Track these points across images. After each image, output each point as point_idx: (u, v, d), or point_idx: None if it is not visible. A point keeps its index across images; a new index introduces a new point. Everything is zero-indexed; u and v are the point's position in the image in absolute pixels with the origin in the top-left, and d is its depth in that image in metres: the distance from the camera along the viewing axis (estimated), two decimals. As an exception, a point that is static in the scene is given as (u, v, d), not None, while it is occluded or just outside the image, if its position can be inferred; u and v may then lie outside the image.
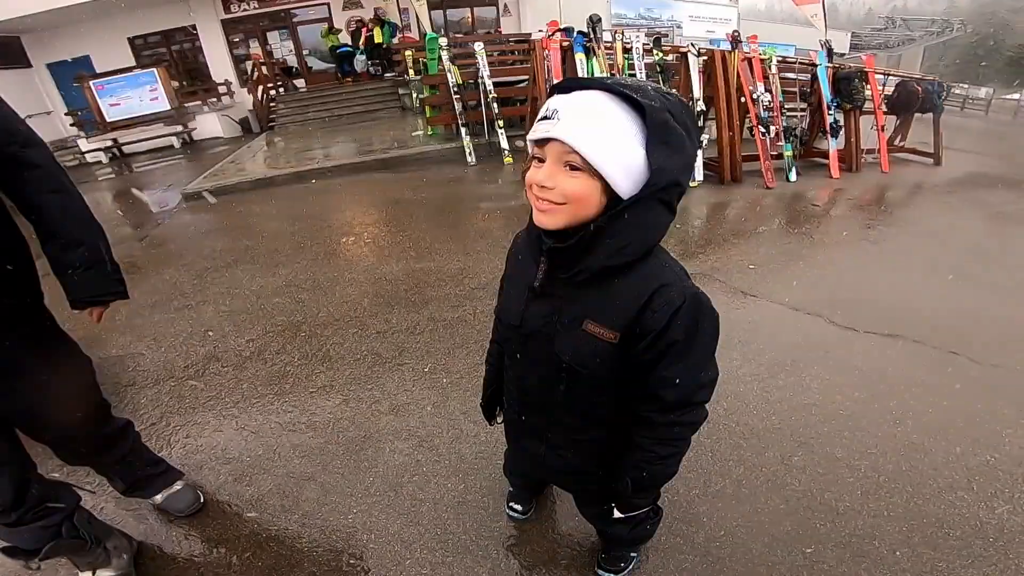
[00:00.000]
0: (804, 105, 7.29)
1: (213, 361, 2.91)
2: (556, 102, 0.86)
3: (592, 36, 4.86)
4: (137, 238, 5.42)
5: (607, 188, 0.86)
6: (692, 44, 5.81)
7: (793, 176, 6.50)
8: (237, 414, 2.44)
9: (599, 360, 0.98)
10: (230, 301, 3.64)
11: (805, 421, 2.30)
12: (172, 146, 12.47)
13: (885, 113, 7.48)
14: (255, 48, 14.95)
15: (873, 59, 7.65)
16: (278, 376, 2.72)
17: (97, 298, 1.45)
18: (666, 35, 7.22)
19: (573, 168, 0.85)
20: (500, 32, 15.38)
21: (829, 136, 6.81)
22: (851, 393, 2.52)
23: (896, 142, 7.95)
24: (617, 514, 1.21)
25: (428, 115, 8.13)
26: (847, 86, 6.68)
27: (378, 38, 12.74)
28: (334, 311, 3.39)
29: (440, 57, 7.28)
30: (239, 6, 14.44)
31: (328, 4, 14.83)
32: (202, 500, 1.91)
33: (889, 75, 8.07)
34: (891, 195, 6.31)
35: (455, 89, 7.09)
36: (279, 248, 4.60)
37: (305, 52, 15.50)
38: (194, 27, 14.57)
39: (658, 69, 5.64)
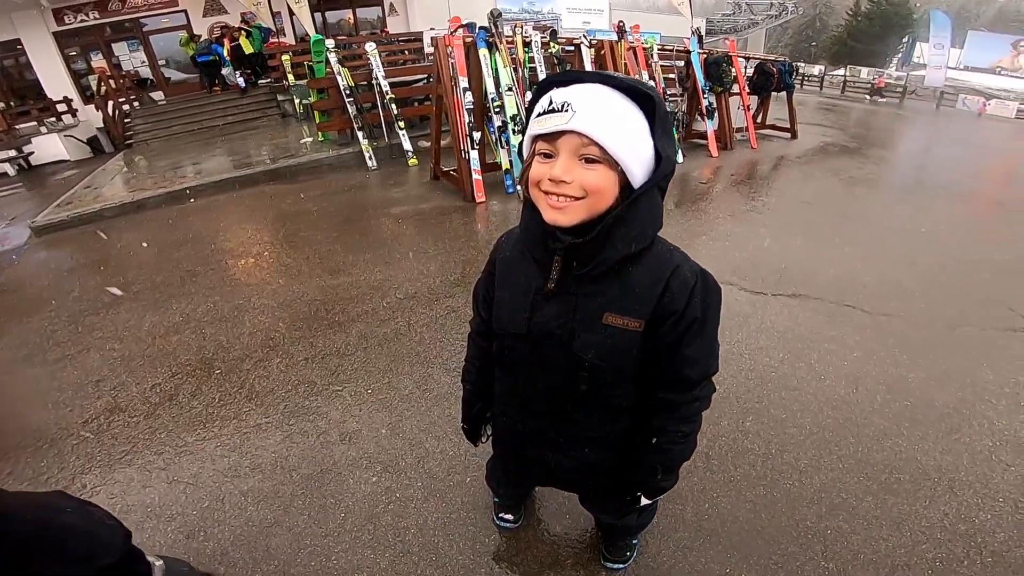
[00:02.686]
0: (682, 90, 7.81)
1: (116, 412, 2.53)
2: (563, 95, 0.83)
3: (493, 31, 4.84)
4: (-22, 286, 4.58)
5: (620, 179, 0.85)
6: (585, 35, 6.03)
7: (680, 158, 6.96)
8: (164, 465, 2.15)
9: (624, 352, 0.97)
10: (119, 345, 3.19)
11: (745, 387, 2.46)
12: (6, 174, 10.75)
13: (749, 94, 8.25)
14: (99, 61, 13.26)
15: (735, 44, 8.38)
16: (201, 420, 2.43)
17: None
18: (553, 27, 7.43)
19: (590, 160, 0.83)
20: (387, 32, 14.94)
21: (706, 118, 7.37)
22: (775, 354, 2.74)
23: (759, 120, 8.79)
24: (644, 501, 1.21)
25: (318, 120, 7.67)
26: (716, 70, 7.25)
27: (247, 48, 11.59)
28: (249, 342, 3.08)
29: (328, 60, 6.90)
30: (75, 17, 12.71)
31: (186, 11, 13.50)
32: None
33: (750, 58, 8.89)
34: (763, 169, 6.97)
35: (347, 92, 6.75)
36: (166, 280, 4.09)
37: (161, 62, 14.02)
38: (19, 41, 12.62)
39: (555, 61, 5.77)
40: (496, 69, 4.98)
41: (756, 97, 8.66)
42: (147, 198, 6.47)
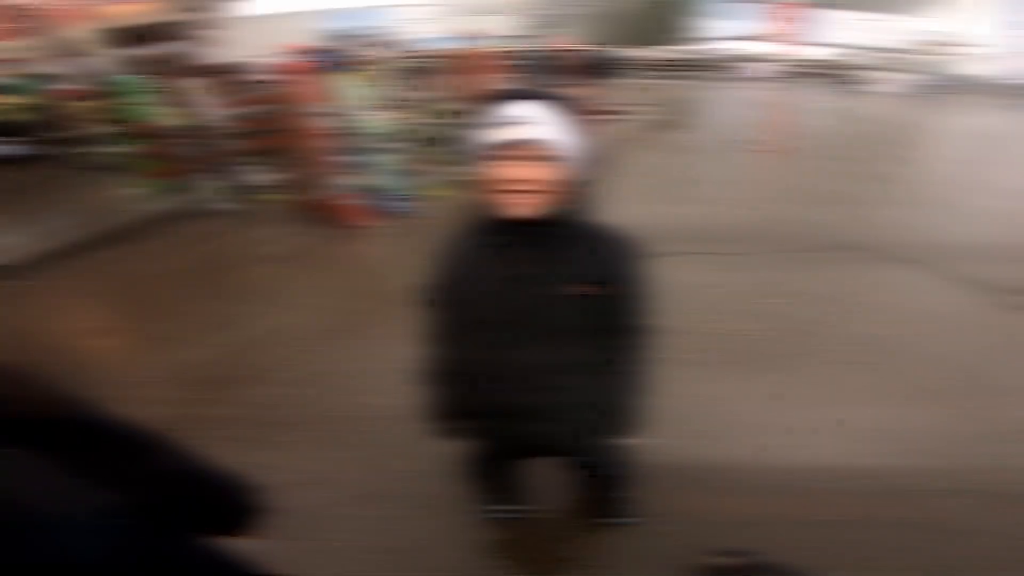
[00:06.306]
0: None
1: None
2: (516, 110, 1.02)
3: (346, 52, 4.73)
4: None
5: (566, 172, 1.06)
6: (438, 46, 6.18)
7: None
8: None
9: (587, 311, 1.16)
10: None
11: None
12: None
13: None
14: None
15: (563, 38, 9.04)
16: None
17: None
18: (392, 42, 7.35)
19: (545, 159, 1.02)
20: (201, 65, 13.56)
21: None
22: (681, 307, 3.13)
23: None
24: (628, 440, 1.43)
25: (143, 168, 6.85)
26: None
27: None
28: (150, 417, 2.74)
29: (144, 101, 6.21)
30: None
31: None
32: None
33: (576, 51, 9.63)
34: (612, 151, 7.66)
35: (175, 133, 6.13)
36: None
37: None
38: None
39: (415, 74, 5.76)
40: (354, 90, 4.89)
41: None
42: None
